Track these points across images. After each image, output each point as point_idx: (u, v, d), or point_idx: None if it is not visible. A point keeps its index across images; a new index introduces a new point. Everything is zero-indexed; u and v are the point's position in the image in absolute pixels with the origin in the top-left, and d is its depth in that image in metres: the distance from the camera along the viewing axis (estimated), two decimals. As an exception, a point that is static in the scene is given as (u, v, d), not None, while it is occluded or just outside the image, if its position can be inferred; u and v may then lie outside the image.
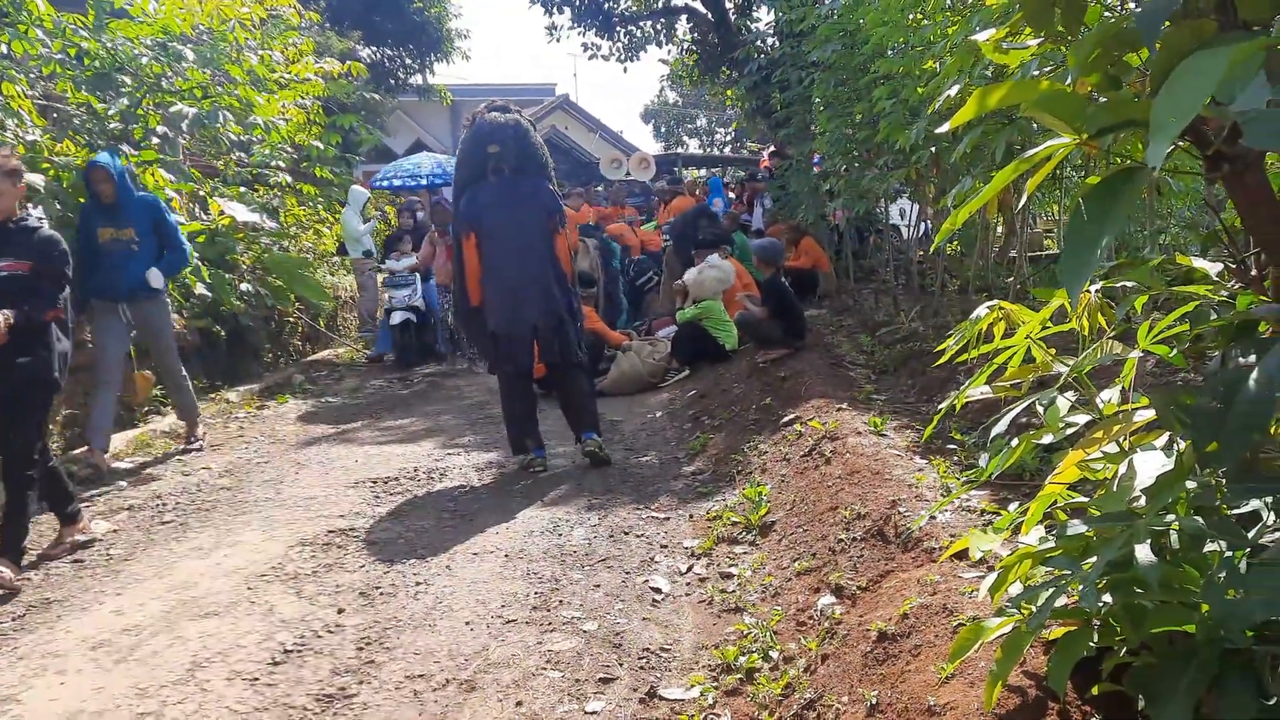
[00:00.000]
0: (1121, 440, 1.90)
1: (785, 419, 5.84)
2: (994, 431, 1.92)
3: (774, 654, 3.28)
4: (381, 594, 4.14)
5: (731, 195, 17.07)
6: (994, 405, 5.43)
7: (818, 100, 9.98)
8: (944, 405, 2.38)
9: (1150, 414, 1.90)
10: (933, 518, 3.50)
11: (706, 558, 4.38)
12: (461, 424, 7.82)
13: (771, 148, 15.92)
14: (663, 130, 46.46)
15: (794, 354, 7.50)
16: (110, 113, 7.93)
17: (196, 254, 8.75)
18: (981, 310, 1.96)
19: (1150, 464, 1.84)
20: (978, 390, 2.14)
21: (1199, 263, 2.02)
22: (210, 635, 3.75)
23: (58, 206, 7.37)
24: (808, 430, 5.36)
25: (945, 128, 1.67)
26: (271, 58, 9.63)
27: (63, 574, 4.61)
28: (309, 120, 10.73)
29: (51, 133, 8.03)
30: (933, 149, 6.93)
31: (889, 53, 7.10)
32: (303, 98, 10.32)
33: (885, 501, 3.96)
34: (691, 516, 4.99)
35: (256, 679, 3.38)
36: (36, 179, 7.33)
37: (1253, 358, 1.61)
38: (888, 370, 6.85)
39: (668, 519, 5.00)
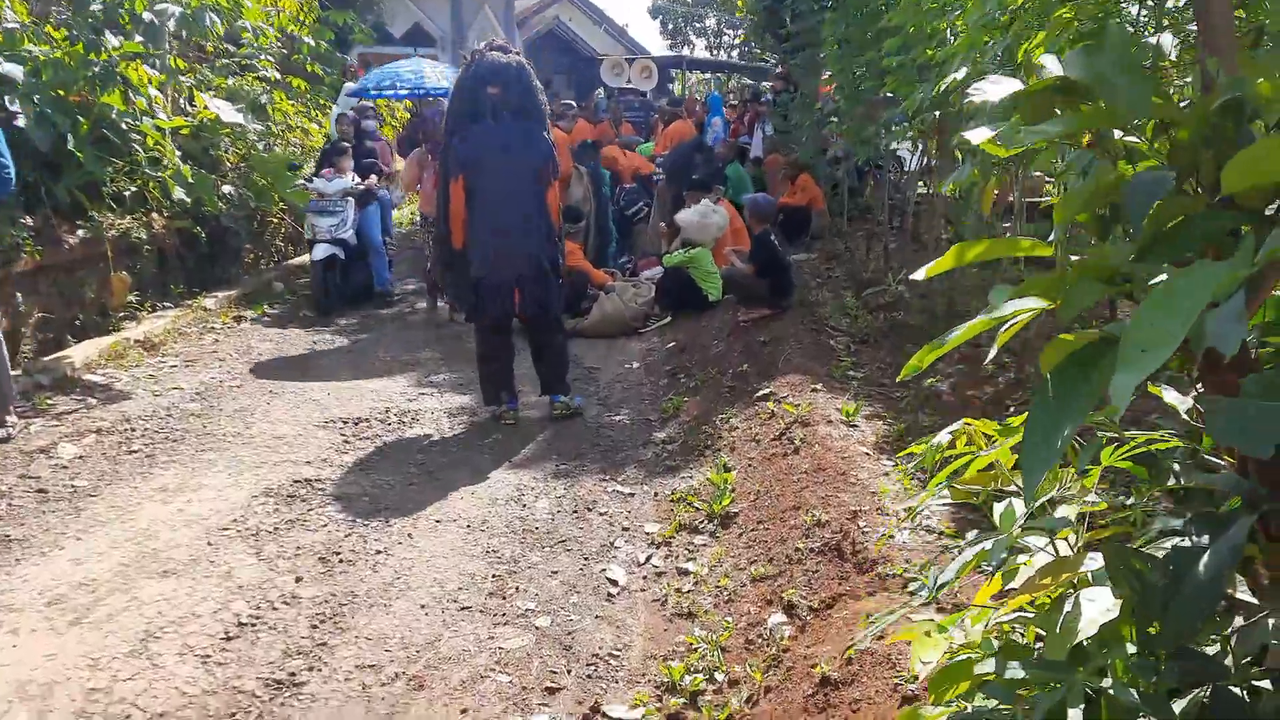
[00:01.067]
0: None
1: (760, 392, 5.82)
2: (942, 579, 1.90)
3: (719, 676, 3.33)
4: (341, 561, 4.17)
5: (731, 113, 16.61)
6: (970, 384, 5.43)
7: (828, 37, 9.70)
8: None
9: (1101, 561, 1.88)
10: (887, 550, 3.52)
11: (666, 547, 4.41)
12: (438, 358, 7.74)
13: (779, 69, 15.49)
14: (670, 27, 45.26)
15: (778, 315, 7.44)
16: (95, 8, 7.66)
17: (178, 151, 8.58)
18: (944, 436, 1.92)
19: (1096, 605, 1.84)
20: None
21: (1170, 396, 1.98)
22: (166, 600, 3.76)
23: (35, 101, 7.16)
24: (780, 411, 5.35)
25: (921, 274, 1.61)
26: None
27: (25, 507, 4.61)
28: (301, 10, 10.42)
29: (34, 20, 7.77)
30: (937, 113, 6.76)
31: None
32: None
33: (847, 510, 3.99)
34: (656, 495, 5.01)
35: (208, 656, 3.41)
36: (14, 70, 7.10)
37: (1205, 539, 1.59)
38: (869, 340, 6.82)
39: (632, 495, 5.01)
